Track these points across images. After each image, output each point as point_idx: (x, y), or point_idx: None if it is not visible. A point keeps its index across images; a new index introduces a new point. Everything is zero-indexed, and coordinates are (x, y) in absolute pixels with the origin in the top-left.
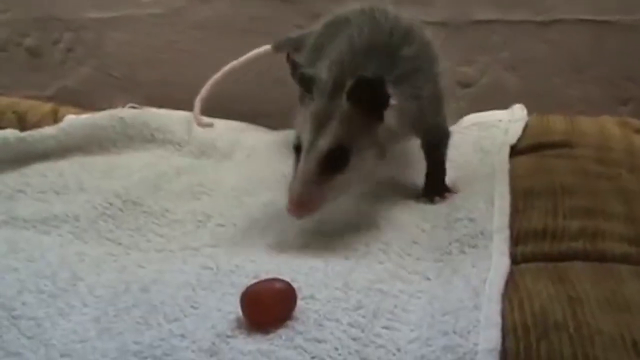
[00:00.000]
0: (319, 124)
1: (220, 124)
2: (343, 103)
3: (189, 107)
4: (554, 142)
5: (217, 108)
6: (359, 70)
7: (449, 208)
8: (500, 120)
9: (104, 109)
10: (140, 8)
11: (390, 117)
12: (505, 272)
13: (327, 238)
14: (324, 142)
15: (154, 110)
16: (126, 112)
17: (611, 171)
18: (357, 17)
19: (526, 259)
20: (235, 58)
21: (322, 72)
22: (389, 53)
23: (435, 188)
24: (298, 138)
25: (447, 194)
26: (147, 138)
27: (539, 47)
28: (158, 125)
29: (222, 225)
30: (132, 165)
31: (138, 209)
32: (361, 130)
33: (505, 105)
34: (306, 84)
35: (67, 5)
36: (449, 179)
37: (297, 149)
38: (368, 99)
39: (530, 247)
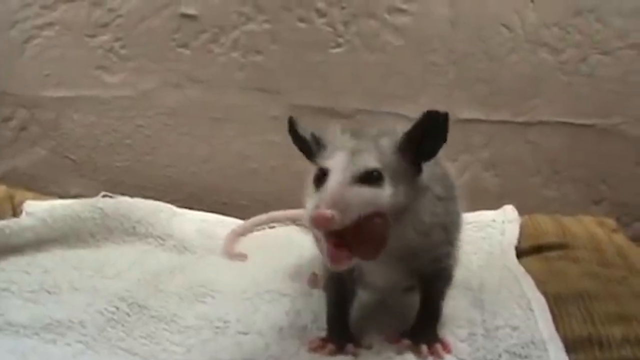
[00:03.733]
0: (353, 152)
1: (195, 215)
2: (383, 141)
3: (150, 196)
4: (551, 244)
5: (187, 199)
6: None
7: (482, 315)
8: (494, 221)
9: (57, 194)
10: (106, 89)
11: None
12: None
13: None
14: (362, 161)
15: (129, 200)
16: (104, 203)
17: (616, 274)
18: None
19: None
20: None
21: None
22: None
23: (425, 333)
24: (321, 169)
25: (437, 346)
26: (128, 231)
27: (519, 147)
28: (139, 218)
29: (244, 334)
30: (120, 262)
31: (146, 314)
32: (398, 170)
33: (483, 203)
34: (311, 143)
35: (22, 81)
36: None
37: (319, 179)
38: (426, 136)
39: (582, 356)
